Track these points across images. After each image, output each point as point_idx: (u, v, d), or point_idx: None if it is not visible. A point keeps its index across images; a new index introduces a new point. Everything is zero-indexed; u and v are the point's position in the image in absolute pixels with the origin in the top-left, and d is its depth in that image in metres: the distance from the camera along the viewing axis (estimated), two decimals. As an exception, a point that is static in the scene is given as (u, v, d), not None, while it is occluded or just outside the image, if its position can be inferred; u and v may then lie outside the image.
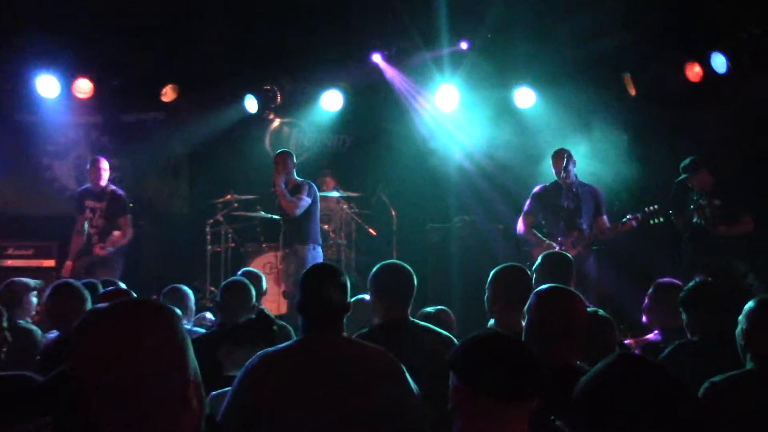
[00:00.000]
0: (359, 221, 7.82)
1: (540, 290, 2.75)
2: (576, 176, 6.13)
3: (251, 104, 7.97)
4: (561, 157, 6.08)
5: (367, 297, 3.63)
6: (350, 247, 7.75)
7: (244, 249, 7.60)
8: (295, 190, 6.09)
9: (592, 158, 6.93)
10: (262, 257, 7.41)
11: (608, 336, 3.18)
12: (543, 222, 6.12)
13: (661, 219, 5.75)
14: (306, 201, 5.96)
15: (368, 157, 8.15)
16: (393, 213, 7.68)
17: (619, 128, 7.19)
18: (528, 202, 6.11)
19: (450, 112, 7.73)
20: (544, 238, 5.95)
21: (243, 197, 7.59)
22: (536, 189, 6.13)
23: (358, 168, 8.22)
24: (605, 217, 6.14)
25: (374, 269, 3.38)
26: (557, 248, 5.74)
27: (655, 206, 5.81)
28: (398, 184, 7.90)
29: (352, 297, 2.88)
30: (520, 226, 6.09)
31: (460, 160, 7.86)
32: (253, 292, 3.98)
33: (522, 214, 6.15)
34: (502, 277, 3.57)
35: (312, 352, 2.67)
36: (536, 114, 7.60)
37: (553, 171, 6.12)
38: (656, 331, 4.25)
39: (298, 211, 5.93)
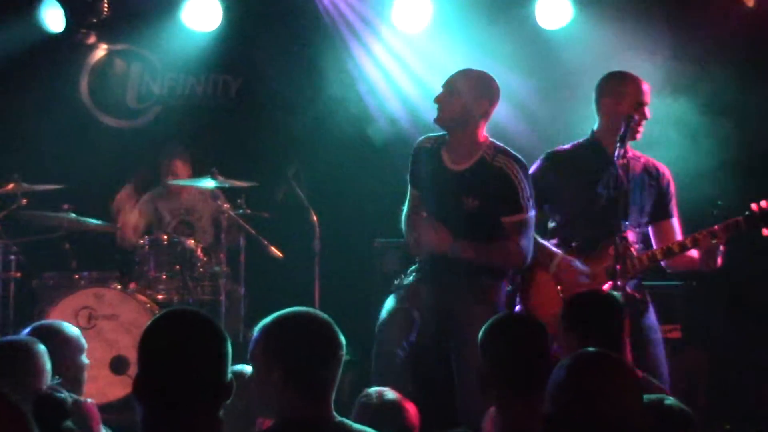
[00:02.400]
0: (252, 232, 6.57)
1: (570, 362, 2.61)
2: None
3: (53, 16, 7.39)
4: (633, 92, 4.87)
5: (249, 370, 3.46)
6: (235, 279, 6.87)
7: (38, 282, 6.59)
8: None
9: (661, 121, 6.01)
10: (75, 297, 6.40)
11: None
12: (555, 221, 5.10)
13: None
14: None
15: (268, 119, 7.90)
16: (314, 218, 6.48)
17: (718, 67, 6.62)
18: (534, 169, 4.97)
19: (418, 34, 7.38)
20: (557, 251, 4.91)
21: (39, 188, 6.63)
22: (552, 151, 5.12)
23: (251, 137, 7.86)
24: (676, 222, 5.05)
25: (268, 323, 3.02)
26: (578, 269, 4.78)
27: None
28: (324, 168, 7.44)
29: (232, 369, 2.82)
30: None
31: (430, 122, 6.49)
32: (45, 364, 3.70)
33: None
34: (503, 338, 3.34)
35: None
36: (573, 39, 7.10)
37: (611, 120, 4.87)
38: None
39: None
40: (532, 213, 4.60)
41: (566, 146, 5.09)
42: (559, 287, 4.68)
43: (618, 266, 4.66)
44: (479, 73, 4.68)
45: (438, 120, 4.61)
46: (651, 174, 5.07)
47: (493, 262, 4.57)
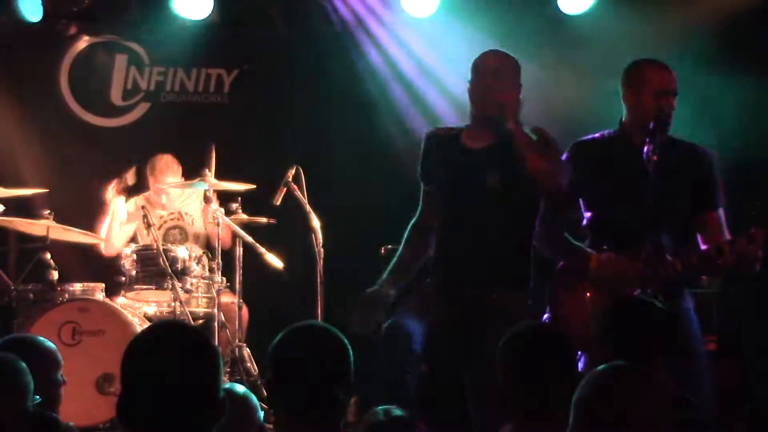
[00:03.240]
0: (248, 239, 6.49)
1: (596, 376, 2.69)
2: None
3: (30, 4, 7.25)
4: (653, 80, 4.80)
5: (241, 389, 3.60)
6: (230, 290, 6.71)
7: (17, 295, 6.47)
8: None
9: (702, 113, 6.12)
10: (57, 311, 6.31)
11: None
12: (586, 219, 4.99)
13: None
14: None
15: (265, 116, 7.88)
16: (315, 224, 6.35)
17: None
18: (565, 158, 4.96)
19: (427, 19, 7.32)
20: (591, 251, 4.83)
21: (16, 192, 6.61)
22: (580, 141, 5.07)
23: (246, 136, 7.81)
24: (722, 214, 4.87)
25: (276, 342, 3.00)
26: (620, 262, 4.73)
27: None
28: (326, 169, 7.45)
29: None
30: (540, 230, 4.89)
31: (445, 114, 7.12)
32: (28, 382, 3.67)
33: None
34: (525, 351, 3.30)
35: None
36: (596, 24, 7.05)
37: (634, 111, 4.84)
38: None
39: None
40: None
41: (594, 135, 5.00)
42: (588, 296, 4.57)
43: (646, 272, 4.61)
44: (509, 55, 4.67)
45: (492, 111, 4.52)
46: (689, 162, 4.89)
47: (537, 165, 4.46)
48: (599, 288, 4.59)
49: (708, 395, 4.69)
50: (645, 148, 4.58)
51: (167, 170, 7.00)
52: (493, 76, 4.60)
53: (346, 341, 2.91)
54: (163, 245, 6.36)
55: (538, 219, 4.84)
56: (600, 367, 2.80)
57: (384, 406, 3.78)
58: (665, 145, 4.75)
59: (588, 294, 4.68)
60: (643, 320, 3.83)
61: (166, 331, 2.76)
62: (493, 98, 4.53)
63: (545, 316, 4.67)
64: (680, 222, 4.85)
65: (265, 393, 2.78)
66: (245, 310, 6.52)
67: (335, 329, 2.74)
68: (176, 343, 2.67)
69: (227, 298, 6.50)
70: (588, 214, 4.89)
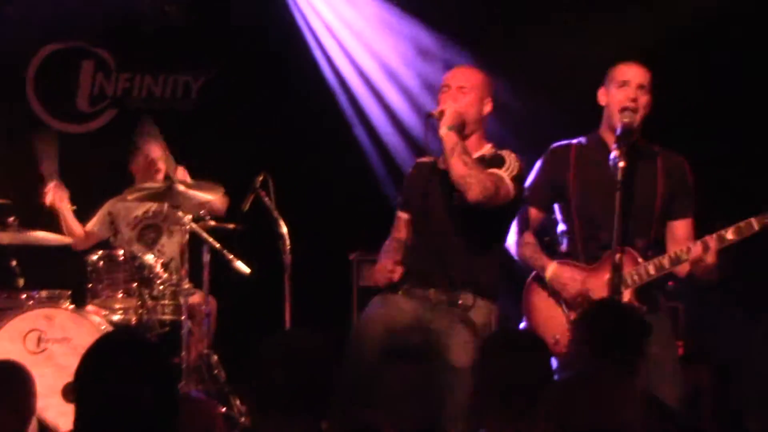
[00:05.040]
0: (216, 246, 6.37)
1: (567, 379, 2.76)
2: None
3: None
4: (616, 74, 4.81)
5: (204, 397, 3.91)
6: (199, 290, 6.48)
7: None
8: None
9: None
10: (22, 319, 6.16)
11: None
12: (563, 224, 5.00)
13: None
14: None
15: (233, 123, 7.71)
16: (284, 230, 6.21)
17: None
18: (533, 178, 4.95)
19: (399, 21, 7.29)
20: (548, 261, 4.86)
21: None
22: (556, 146, 5.03)
23: (213, 142, 7.61)
24: (691, 225, 4.87)
25: (253, 348, 3.11)
26: (569, 278, 4.74)
27: None
28: (295, 175, 7.22)
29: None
30: (512, 238, 4.93)
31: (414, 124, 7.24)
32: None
33: (519, 209, 4.98)
34: (500, 356, 3.34)
35: None
36: None
37: (606, 111, 4.85)
38: None
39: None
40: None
41: (570, 141, 4.97)
42: (563, 303, 4.60)
43: (616, 278, 4.59)
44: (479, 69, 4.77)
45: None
46: (666, 169, 4.91)
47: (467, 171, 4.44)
48: (559, 295, 4.63)
49: (680, 402, 4.64)
50: (611, 154, 4.56)
51: (158, 159, 6.82)
52: (456, 89, 4.68)
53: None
54: (130, 252, 6.28)
55: (515, 228, 4.91)
56: (573, 374, 2.88)
57: None
58: (640, 151, 4.78)
59: (555, 303, 4.67)
60: (618, 324, 3.80)
61: (116, 343, 2.78)
62: (440, 103, 4.64)
63: (522, 324, 4.65)
64: (653, 229, 4.85)
65: (238, 399, 2.85)
66: (213, 306, 6.44)
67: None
68: (126, 355, 2.66)
69: (195, 301, 6.42)
70: (561, 220, 4.92)
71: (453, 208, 4.54)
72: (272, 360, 3.01)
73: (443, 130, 4.54)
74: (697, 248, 4.58)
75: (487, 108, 4.69)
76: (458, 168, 4.48)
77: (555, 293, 4.69)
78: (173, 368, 2.93)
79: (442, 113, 4.56)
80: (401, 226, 4.81)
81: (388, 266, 4.52)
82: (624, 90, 4.68)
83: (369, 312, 4.53)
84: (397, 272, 4.54)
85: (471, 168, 4.46)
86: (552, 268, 4.72)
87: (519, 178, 4.59)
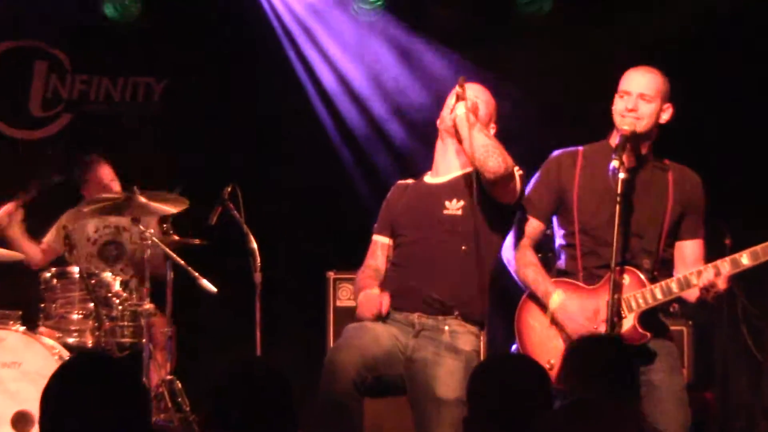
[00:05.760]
0: (180, 263, 6.29)
1: (561, 409, 2.63)
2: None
3: None
4: (625, 79, 4.77)
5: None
6: (162, 312, 6.48)
7: None
8: None
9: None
10: None
11: None
12: (562, 239, 4.92)
13: None
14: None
15: (199, 129, 7.67)
16: (254, 245, 6.24)
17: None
18: (535, 185, 4.91)
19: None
20: (553, 289, 4.73)
21: None
22: (561, 153, 4.98)
23: (178, 150, 7.58)
24: (701, 247, 4.83)
25: (215, 375, 3.07)
26: (575, 318, 4.67)
27: None
28: (266, 185, 7.37)
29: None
30: (507, 252, 4.88)
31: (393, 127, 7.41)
32: None
33: (517, 219, 4.96)
34: (496, 383, 3.23)
35: None
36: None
37: (615, 117, 4.79)
38: None
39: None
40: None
41: (577, 148, 4.91)
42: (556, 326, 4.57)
43: (616, 299, 4.52)
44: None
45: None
46: (678, 185, 4.86)
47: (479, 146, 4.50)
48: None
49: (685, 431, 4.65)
50: (610, 165, 4.49)
51: (105, 176, 6.75)
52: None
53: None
54: (88, 269, 6.13)
55: (512, 241, 4.84)
56: (568, 403, 2.73)
57: None
58: (649, 164, 4.74)
59: (551, 324, 4.61)
60: (609, 360, 3.75)
61: (87, 366, 2.69)
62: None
63: (514, 346, 4.56)
64: (660, 248, 4.78)
65: (199, 428, 2.83)
66: (174, 335, 6.35)
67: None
68: (98, 379, 2.60)
69: (157, 323, 6.31)
70: (561, 233, 4.83)
71: (445, 222, 4.46)
72: (225, 390, 2.97)
73: (461, 110, 4.63)
74: (708, 273, 4.53)
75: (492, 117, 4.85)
76: (480, 138, 4.55)
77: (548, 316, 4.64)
78: (146, 392, 2.80)
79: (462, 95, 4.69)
80: (377, 252, 4.77)
81: (375, 297, 4.44)
82: (624, 100, 4.67)
83: (343, 339, 4.43)
84: (386, 304, 4.46)
85: (492, 139, 4.56)
86: (558, 300, 4.64)
87: (522, 181, 4.68)
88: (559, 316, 4.63)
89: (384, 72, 7.47)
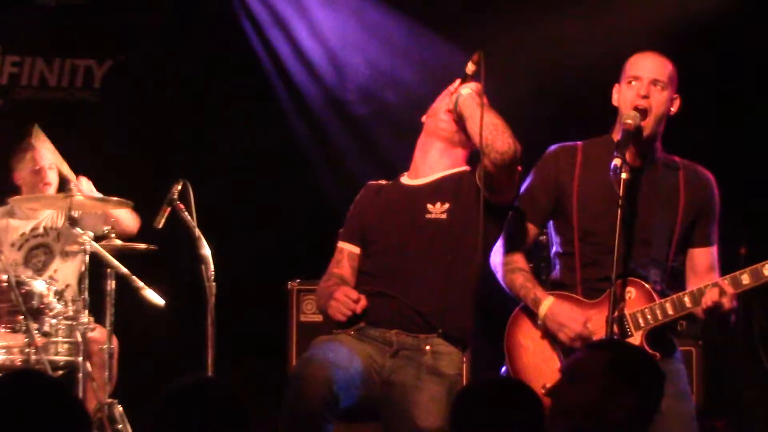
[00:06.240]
0: (123, 271, 6.05)
1: None
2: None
3: None
4: (635, 64, 4.67)
5: None
6: (99, 333, 6.17)
7: None
8: None
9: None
10: None
11: None
12: (559, 246, 4.81)
13: None
14: None
15: (146, 118, 7.49)
16: (207, 252, 5.85)
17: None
18: (528, 185, 4.78)
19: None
20: (544, 295, 4.63)
21: None
22: (558, 148, 4.84)
23: (121, 141, 7.42)
24: (714, 254, 4.71)
25: (160, 398, 3.03)
26: (570, 317, 4.54)
27: None
28: (222, 184, 7.25)
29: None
30: (495, 256, 4.76)
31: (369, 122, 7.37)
32: None
33: (507, 221, 4.82)
34: (481, 411, 3.17)
35: None
36: None
37: (621, 109, 4.65)
38: None
39: None
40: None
41: (576, 143, 4.72)
42: (550, 344, 4.40)
43: (615, 316, 4.35)
44: None
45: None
46: (689, 186, 4.67)
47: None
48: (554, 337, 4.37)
49: None
50: (612, 164, 4.27)
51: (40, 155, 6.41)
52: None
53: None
54: (16, 277, 5.82)
55: (501, 245, 4.69)
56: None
57: None
58: (657, 162, 4.60)
59: (547, 343, 4.43)
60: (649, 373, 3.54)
61: (19, 384, 2.69)
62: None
63: (503, 369, 4.48)
64: (671, 257, 4.64)
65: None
66: (116, 351, 6.03)
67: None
68: (32, 400, 2.58)
69: (96, 339, 6.02)
70: (558, 240, 4.66)
71: (427, 227, 4.30)
72: (171, 414, 2.89)
73: (467, 90, 4.55)
74: (712, 293, 4.40)
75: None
76: (488, 117, 4.46)
77: (542, 333, 4.46)
78: (85, 418, 2.68)
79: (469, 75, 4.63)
80: (344, 261, 4.69)
81: (351, 294, 4.30)
82: (634, 86, 4.47)
83: (310, 358, 4.23)
84: (362, 303, 4.28)
85: (501, 120, 4.45)
86: (548, 304, 4.47)
87: (520, 178, 4.65)
88: (549, 323, 4.45)
89: (353, 54, 7.26)
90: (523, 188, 4.70)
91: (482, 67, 4.68)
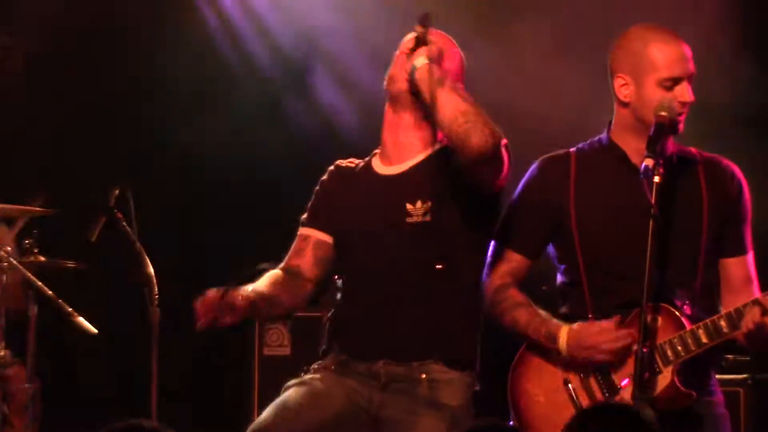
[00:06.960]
0: (48, 293, 5.72)
1: None
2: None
3: None
4: (668, 60, 4.24)
5: None
6: (19, 369, 5.83)
7: None
8: None
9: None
10: None
11: None
12: (563, 274, 4.43)
13: None
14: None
15: (77, 107, 6.91)
16: (150, 270, 5.59)
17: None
18: (513, 208, 4.43)
19: None
20: (558, 322, 4.26)
21: None
22: (537, 165, 4.51)
23: (47, 135, 6.99)
24: (751, 262, 4.35)
25: None
26: (598, 336, 4.25)
27: None
28: (168, 188, 6.81)
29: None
30: (489, 280, 4.39)
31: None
32: None
33: (496, 240, 4.42)
34: None
35: None
36: None
37: (628, 109, 4.39)
38: None
39: None
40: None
41: (569, 150, 4.31)
42: (571, 386, 4.01)
43: (644, 349, 3.89)
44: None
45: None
46: (712, 183, 4.26)
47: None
48: (577, 371, 3.98)
49: None
50: (643, 165, 3.85)
51: None
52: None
53: None
54: None
55: (490, 283, 4.26)
56: None
57: None
58: (672, 159, 4.15)
59: (560, 387, 4.05)
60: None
61: None
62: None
63: (510, 422, 4.18)
64: (700, 273, 4.17)
65: None
66: (39, 392, 5.63)
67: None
68: None
69: (14, 376, 5.59)
70: (561, 268, 4.23)
71: (410, 230, 3.98)
72: None
73: (421, 61, 4.15)
74: (752, 314, 4.01)
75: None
76: (455, 102, 4.06)
77: (566, 370, 4.10)
78: None
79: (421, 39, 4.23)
80: (306, 250, 4.30)
81: (217, 298, 4.01)
82: (676, 91, 4.08)
83: (281, 404, 3.92)
84: (240, 307, 3.93)
85: (471, 104, 4.07)
86: (566, 332, 4.11)
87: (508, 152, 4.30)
88: (576, 352, 4.07)
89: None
90: (507, 212, 4.33)
91: (427, 34, 4.20)
